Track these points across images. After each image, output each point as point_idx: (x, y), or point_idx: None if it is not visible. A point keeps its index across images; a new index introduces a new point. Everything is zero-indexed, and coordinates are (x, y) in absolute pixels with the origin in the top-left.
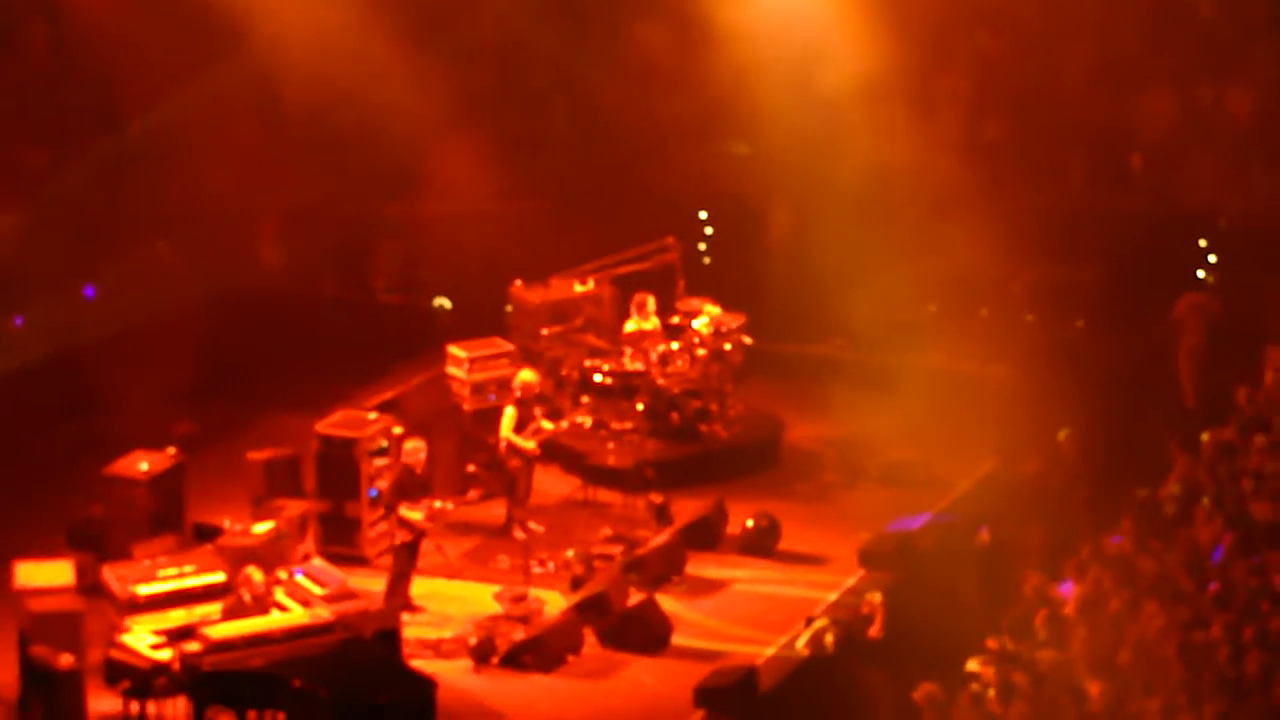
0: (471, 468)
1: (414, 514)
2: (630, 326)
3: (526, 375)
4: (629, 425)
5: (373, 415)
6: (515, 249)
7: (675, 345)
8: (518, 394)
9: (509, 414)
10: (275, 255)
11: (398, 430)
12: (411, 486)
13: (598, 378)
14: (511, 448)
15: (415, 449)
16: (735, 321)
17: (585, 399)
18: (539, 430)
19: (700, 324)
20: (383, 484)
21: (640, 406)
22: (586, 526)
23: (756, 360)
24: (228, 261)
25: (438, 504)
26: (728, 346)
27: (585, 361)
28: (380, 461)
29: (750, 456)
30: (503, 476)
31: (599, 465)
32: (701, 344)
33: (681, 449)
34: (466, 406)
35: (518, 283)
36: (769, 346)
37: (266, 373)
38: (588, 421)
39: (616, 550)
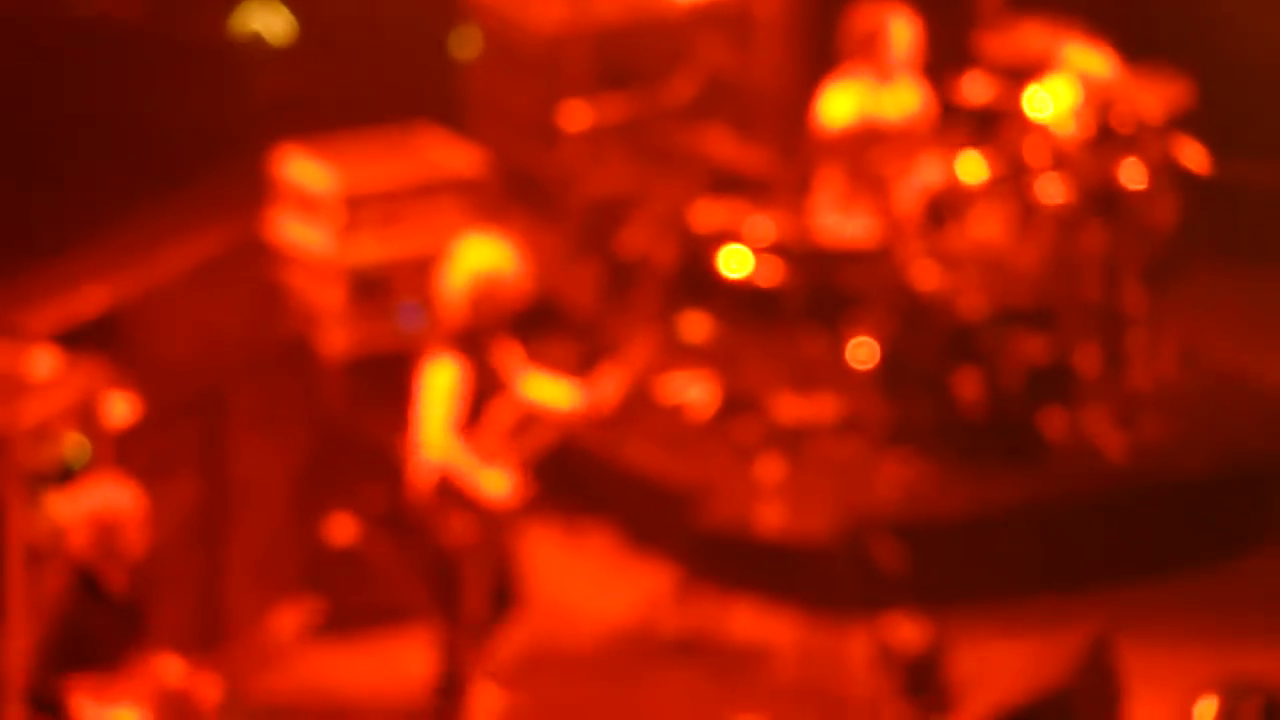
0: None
1: None
2: (839, 107)
3: (485, 252)
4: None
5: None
6: None
7: (980, 166)
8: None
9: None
10: None
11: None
12: None
13: (734, 263)
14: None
15: None
16: (1163, 105)
17: (685, 316)
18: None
19: (1048, 102)
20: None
21: (864, 343)
22: None
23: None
24: None
25: None
26: (1141, 178)
27: (691, 216)
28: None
29: (1191, 503)
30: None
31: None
32: (1058, 161)
33: (990, 480)
34: (330, 346)
35: None
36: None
37: None
38: (696, 396)
39: None
